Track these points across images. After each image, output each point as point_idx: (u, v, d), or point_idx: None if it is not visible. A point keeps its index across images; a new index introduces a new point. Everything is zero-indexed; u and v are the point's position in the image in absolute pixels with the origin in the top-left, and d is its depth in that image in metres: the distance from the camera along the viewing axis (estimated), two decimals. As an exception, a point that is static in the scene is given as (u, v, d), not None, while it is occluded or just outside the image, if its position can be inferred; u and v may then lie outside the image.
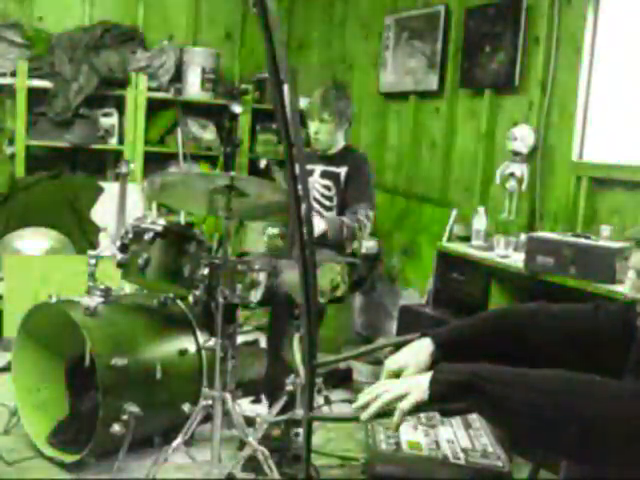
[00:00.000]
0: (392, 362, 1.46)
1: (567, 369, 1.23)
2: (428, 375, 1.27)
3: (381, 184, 4.52)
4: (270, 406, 2.92)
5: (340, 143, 3.45)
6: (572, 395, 1.18)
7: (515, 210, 3.51)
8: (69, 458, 2.62)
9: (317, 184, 3.37)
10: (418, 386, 1.27)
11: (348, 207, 3.28)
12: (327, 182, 3.37)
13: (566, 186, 3.35)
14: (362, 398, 1.33)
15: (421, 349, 1.47)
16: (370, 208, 3.29)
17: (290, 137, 0.98)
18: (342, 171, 3.36)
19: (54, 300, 2.67)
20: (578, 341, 1.48)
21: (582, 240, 2.82)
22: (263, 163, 4.30)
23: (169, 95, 4.82)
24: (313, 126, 3.37)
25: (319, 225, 3.13)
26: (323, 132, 3.36)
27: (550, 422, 1.16)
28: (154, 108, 4.81)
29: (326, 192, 3.36)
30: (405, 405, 1.26)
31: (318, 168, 3.40)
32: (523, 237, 3.20)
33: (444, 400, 1.24)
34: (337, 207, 3.35)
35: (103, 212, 4.34)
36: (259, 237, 3.56)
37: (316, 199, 3.36)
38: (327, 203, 3.36)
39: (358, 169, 3.36)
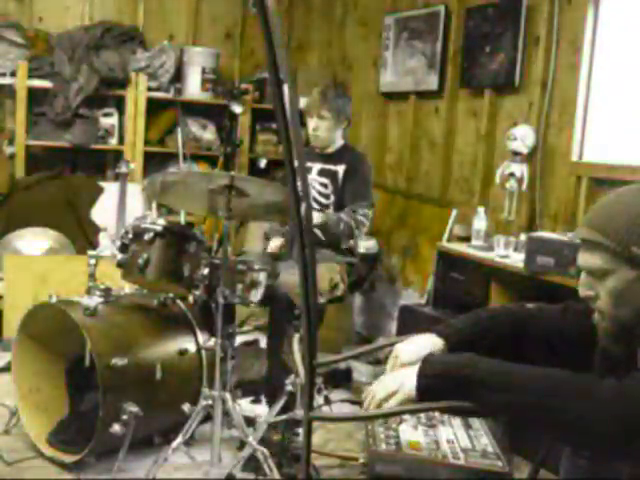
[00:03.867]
0: (406, 354, 1.45)
1: (543, 366, 1.29)
2: (415, 371, 1.29)
3: (381, 184, 4.52)
4: (270, 406, 2.92)
5: (338, 141, 3.45)
6: (556, 396, 1.21)
7: (515, 210, 3.51)
8: (69, 458, 2.62)
9: (314, 182, 3.38)
10: (407, 383, 1.29)
11: (346, 206, 3.29)
12: (324, 180, 3.37)
13: (566, 186, 3.35)
14: (365, 399, 1.35)
15: (433, 346, 1.47)
16: (368, 207, 3.30)
17: (290, 137, 0.98)
18: (340, 169, 3.36)
19: (54, 300, 2.67)
20: (548, 340, 1.52)
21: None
22: (263, 163, 4.30)
23: (169, 95, 4.82)
24: (312, 122, 3.37)
25: (316, 218, 3.15)
26: (322, 129, 3.36)
27: (537, 423, 1.21)
28: (154, 108, 4.81)
29: (323, 190, 3.36)
30: (392, 404, 1.27)
31: (316, 166, 3.40)
32: (523, 237, 3.20)
33: (431, 398, 1.25)
34: (334, 205, 3.35)
35: (103, 212, 4.34)
36: (261, 244, 3.57)
37: (313, 197, 3.36)
38: (324, 201, 3.36)
39: (356, 168, 3.36)
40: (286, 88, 0.96)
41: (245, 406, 3.11)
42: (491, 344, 1.51)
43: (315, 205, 3.36)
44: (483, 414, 1.23)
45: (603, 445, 1.19)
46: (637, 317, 1.31)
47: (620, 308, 1.31)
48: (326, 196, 3.36)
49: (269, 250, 3.42)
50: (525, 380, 1.26)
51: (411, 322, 3.59)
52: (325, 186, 3.36)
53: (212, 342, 2.56)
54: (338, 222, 3.21)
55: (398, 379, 1.32)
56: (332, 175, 3.36)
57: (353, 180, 3.34)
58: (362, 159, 3.44)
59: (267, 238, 3.50)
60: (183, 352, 2.78)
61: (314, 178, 3.38)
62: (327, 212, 3.29)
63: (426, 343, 1.47)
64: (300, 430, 2.67)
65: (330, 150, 3.44)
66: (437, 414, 1.59)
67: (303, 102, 3.59)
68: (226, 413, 2.50)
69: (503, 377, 1.25)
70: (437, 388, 1.26)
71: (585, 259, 1.35)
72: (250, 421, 2.76)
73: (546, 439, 1.29)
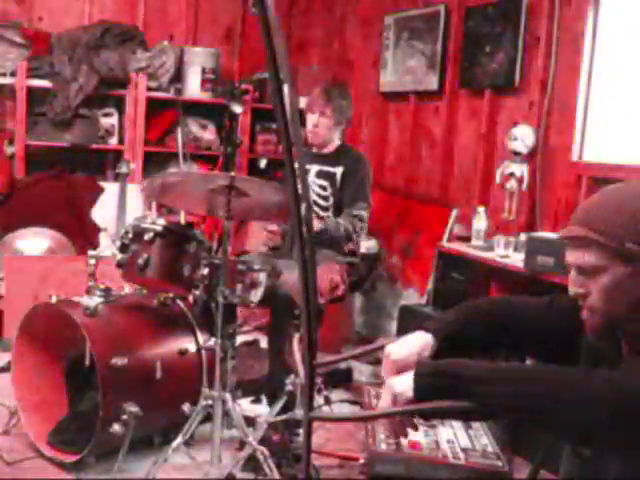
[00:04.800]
0: (396, 352, 1.45)
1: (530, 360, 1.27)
2: (410, 375, 1.29)
3: (381, 184, 4.52)
4: (270, 406, 2.92)
5: (336, 141, 3.44)
6: (550, 382, 1.22)
7: (515, 210, 3.51)
8: (69, 458, 2.62)
9: (313, 184, 3.36)
10: (405, 385, 1.29)
11: (345, 208, 3.28)
12: (323, 182, 3.36)
13: (566, 186, 3.36)
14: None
15: (425, 346, 1.47)
16: (366, 209, 3.29)
17: (290, 137, 0.98)
18: (338, 171, 3.35)
19: (54, 300, 2.67)
20: (534, 335, 1.52)
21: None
22: (263, 163, 4.30)
23: (169, 95, 4.82)
24: (313, 119, 3.35)
25: (314, 225, 3.13)
26: (322, 126, 3.34)
27: (531, 412, 1.22)
28: (154, 108, 4.81)
29: (322, 192, 3.35)
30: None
31: (314, 168, 3.39)
32: (523, 237, 3.20)
33: (427, 397, 1.27)
34: (333, 207, 3.34)
35: (103, 212, 4.34)
36: (259, 232, 3.57)
37: (312, 199, 3.36)
38: (323, 203, 3.35)
39: (355, 168, 3.35)
40: (286, 88, 0.96)
41: (245, 406, 3.11)
42: (480, 337, 1.52)
43: (314, 207, 3.35)
44: (481, 412, 1.23)
45: (597, 431, 1.20)
46: (628, 312, 1.31)
47: (612, 304, 1.31)
48: (325, 198, 3.35)
49: (265, 234, 3.41)
50: (517, 371, 1.28)
51: (411, 322, 3.58)
52: (324, 188, 3.35)
53: (212, 342, 2.56)
54: (337, 227, 3.20)
55: (394, 386, 1.32)
56: (331, 177, 3.35)
57: (352, 182, 3.32)
58: (360, 159, 3.43)
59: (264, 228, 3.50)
60: (183, 352, 2.78)
61: (312, 180, 3.37)
62: (325, 218, 3.28)
63: (416, 339, 1.47)
64: (300, 430, 2.67)
65: (328, 150, 3.43)
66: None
67: (303, 102, 3.58)
68: (226, 413, 2.50)
69: (495, 371, 1.27)
70: (433, 386, 1.26)
71: (577, 257, 1.34)
72: (250, 421, 2.76)
73: (541, 430, 1.30)
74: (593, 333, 1.36)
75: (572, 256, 1.36)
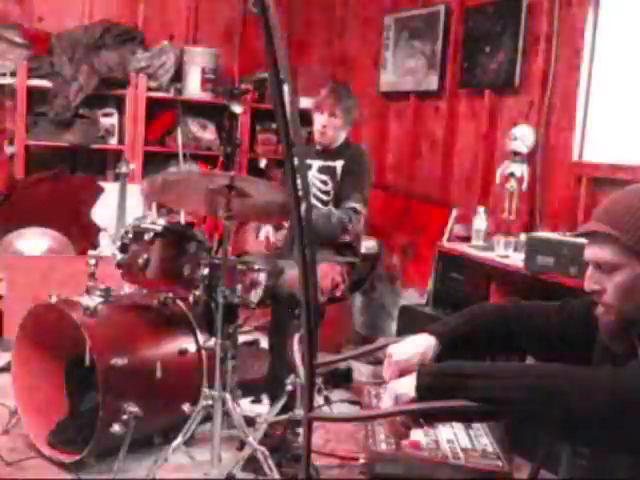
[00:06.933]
0: (399, 353, 1.44)
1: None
2: (413, 379, 1.29)
3: (381, 184, 4.52)
4: (270, 406, 2.92)
5: (340, 140, 3.44)
6: (554, 378, 1.22)
7: (515, 210, 3.51)
8: (69, 458, 2.62)
9: (314, 179, 3.36)
10: (407, 386, 1.29)
11: (341, 201, 3.28)
12: (324, 177, 3.36)
13: (566, 186, 3.35)
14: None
15: (428, 348, 1.46)
16: (361, 201, 3.27)
17: (290, 137, 0.98)
18: (338, 164, 3.35)
19: (54, 300, 2.67)
20: (547, 338, 1.52)
21: (582, 240, 2.81)
22: (263, 163, 4.30)
23: (169, 95, 4.82)
24: (322, 119, 3.33)
25: None
26: (331, 126, 3.33)
27: (535, 407, 1.20)
28: (154, 108, 4.81)
29: (323, 187, 3.35)
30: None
31: (316, 163, 3.38)
32: (523, 237, 3.20)
33: (430, 397, 1.26)
34: (333, 201, 3.34)
35: (103, 212, 4.34)
36: (256, 237, 3.57)
37: (313, 194, 3.36)
38: (324, 198, 3.35)
39: (354, 163, 3.34)
40: (286, 88, 0.96)
41: (245, 406, 3.11)
42: (484, 341, 1.51)
43: (316, 202, 3.35)
44: (482, 411, 1.23)
45: (596, 428, 1.20)
46: None
47: (627, 302, 1.31)
48: (326, 193, 3.35)
49: (262, 239, 3.42)
50: (519, 368, 1.28)
51: (411, 322, 3.59)
52: (325, 183, 3.35)
53: (212, 342, 2.56)
54: (329, 216, 3.20)
55: (396, 389, 1.31)
56: (331, 171, 3.35)
57: (350, 175, 3.32)
58: (361, 154, 3.42)
59: (258, 230, 3.50)
60: (183, 352, 2.78)
61: (314, 175, 3.37)
62: (319, 208, 3.28)
63: (419, 341, 1.47)
64: (300, 430, 2.67)
65: (331, 147, 3.43)
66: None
67: (303, 102, 3.58)
68: (226, 413, 2.50)
69: (497, 368, 1.27)
70: (435, 386, 1.26)
71: (594, 252, 1.35)
72: (250, 421, 2.76)
73: (541, 426, 1.29)
74: (607, 332, 1.35)
75: (589, 252, 1.36)
